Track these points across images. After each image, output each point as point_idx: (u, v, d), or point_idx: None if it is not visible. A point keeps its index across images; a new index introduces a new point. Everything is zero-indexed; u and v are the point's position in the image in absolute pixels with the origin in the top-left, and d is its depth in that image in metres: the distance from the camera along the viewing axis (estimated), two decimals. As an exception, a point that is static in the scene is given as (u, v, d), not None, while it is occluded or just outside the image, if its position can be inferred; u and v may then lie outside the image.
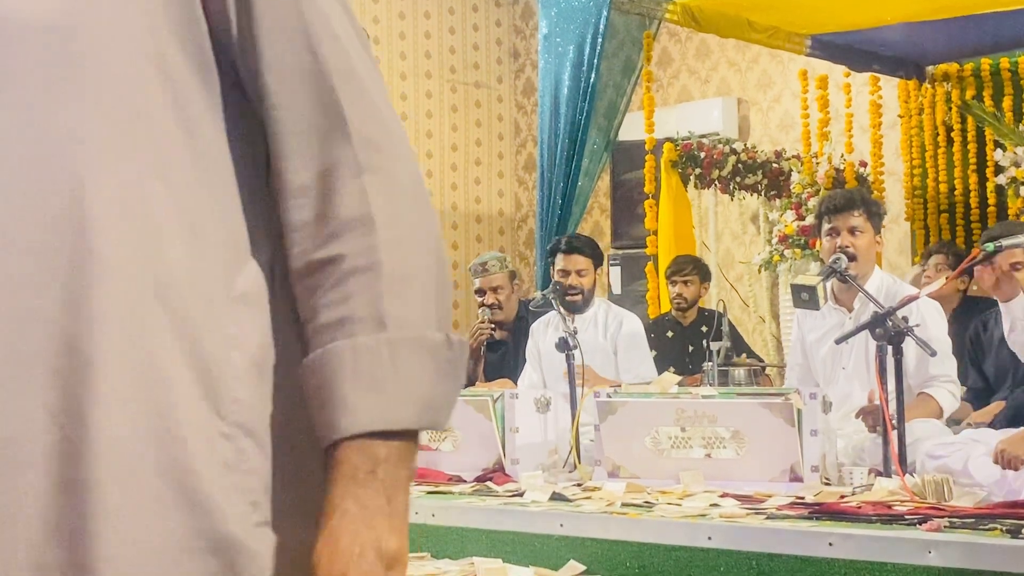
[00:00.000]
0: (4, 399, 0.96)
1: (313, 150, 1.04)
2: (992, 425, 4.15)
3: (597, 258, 5.24)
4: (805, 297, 4.06)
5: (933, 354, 3.74)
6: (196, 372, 1.00)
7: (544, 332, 5.21)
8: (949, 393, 4.15)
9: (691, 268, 6.24)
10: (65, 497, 0.95)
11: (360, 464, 1.00)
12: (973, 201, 7.27)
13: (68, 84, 1.00)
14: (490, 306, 5.69)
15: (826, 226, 4.30)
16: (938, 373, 4.13)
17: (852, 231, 4.23)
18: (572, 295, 5.08)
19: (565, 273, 5.14)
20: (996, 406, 4.56)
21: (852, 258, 4.18)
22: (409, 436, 1.02)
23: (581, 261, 5.14)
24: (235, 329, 1.03)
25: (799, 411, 3.58)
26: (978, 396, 4.75)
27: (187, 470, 0.98)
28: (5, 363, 0.96)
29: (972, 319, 4.90)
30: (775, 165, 7.30)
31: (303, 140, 1.05)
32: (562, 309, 4.89)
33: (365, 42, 1.10)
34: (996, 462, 3.45)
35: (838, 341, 3.96)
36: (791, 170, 7.19)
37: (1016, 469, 3.40)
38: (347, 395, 1.00)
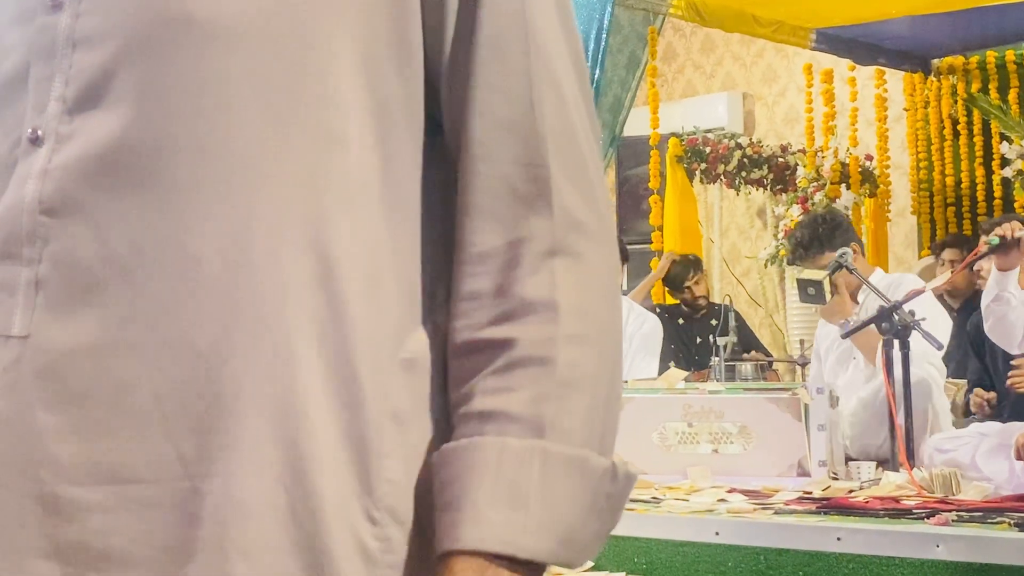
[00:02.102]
0: (143, 441, 0.84)
1: (508, 215, 0.89)
2: (998, 418, 4.15)
3: (624, 257, 5.31)
4: (812, 292, 4.06)
5: (940, 348, 3.74)
6: (351, 443, 0.85)
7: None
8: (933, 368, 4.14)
9: (691, 271, 6.28)
10: (185, 553, 0.83)
11: None
12: (979, 194, 7.26)
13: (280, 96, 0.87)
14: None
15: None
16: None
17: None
18: None
19: None
20: None
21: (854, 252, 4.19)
22: (535, 569, 0.85)
23: None
24: (397, 399, 0.88)
25: (806, 406, 3.58)
26: (981, 386, 4.74)
27: (324, 552, 0.83)
28: (151, 397, 0.84)
29: (976, 311, 4.90)
30: (781, 159, 7.30)
31: (499, 202, 0.89)
32: None
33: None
34: (1019, 458, 3.45)
35: (844, 335, 3.96)
36: (797, 164, 7.18)
37: None
38: (480, 503, 0.84)
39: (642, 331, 5.22)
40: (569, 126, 0.92)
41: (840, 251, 4.16)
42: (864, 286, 4.13)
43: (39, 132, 0.88)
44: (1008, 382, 4.33)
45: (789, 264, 4.40)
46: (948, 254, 5.69)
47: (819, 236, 4.37)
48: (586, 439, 0.88)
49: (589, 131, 0.94)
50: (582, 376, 0.88)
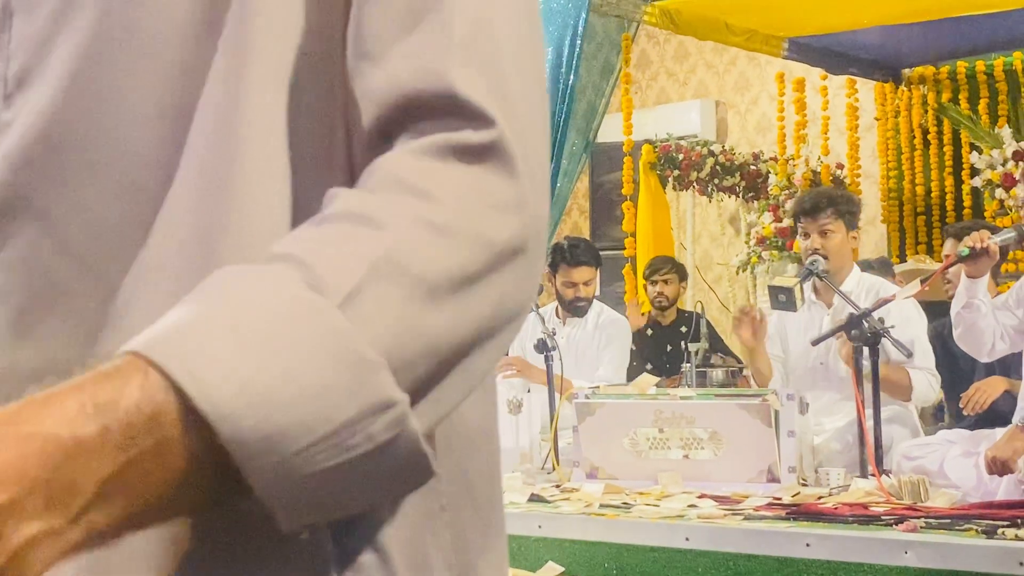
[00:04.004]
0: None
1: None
2: (967, 426, 4.18)
3: (599, 262, 5.37)
4: (783, 299, 4.08)
5: (909, 355, 3.77)
6: None
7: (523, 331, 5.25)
8: (926, 380, 4.16)
9: (669, 267, 6.32)
10: None
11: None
12: (949, 204, 7.31)
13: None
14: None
15: (800, 227, 4.35)
16: (919, 364, 4.15)
17: (823, 232, 4.26)
18: (579, 304, 5.25)
19: (571, 285, 5.27)
20: None
21: (824, 257, 4.21)
22: (201, 429, 0.59)
23: (587, 272, 5.30)
24: None
25: (776, 412, 3.60)
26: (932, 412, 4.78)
27: None
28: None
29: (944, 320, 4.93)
30: (753, 167, 7.34)
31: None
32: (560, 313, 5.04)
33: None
34: (990, 472, 3.47)
35: (815, 343, 3.98)
36: (768, 172, 7.22)
37: (1012, 473, 3.41)
38: (188, 318, 0.62)
39: (608, 332, 5.29)
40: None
41: (811, 259, 4.18)
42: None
43: None
44: (961, 403, 4.37)
45: (791, 218, 4.47)
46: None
47: (829, 197, 4.41)
48: (389, 343, 0.63)
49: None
50: (423, 271, 0.65)
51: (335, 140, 0.76)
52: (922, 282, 3.73)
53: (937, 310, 5.17)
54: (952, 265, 3.89)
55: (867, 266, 4.73)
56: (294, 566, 0.70)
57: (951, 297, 4.61)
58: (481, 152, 0.70)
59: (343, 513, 0.65)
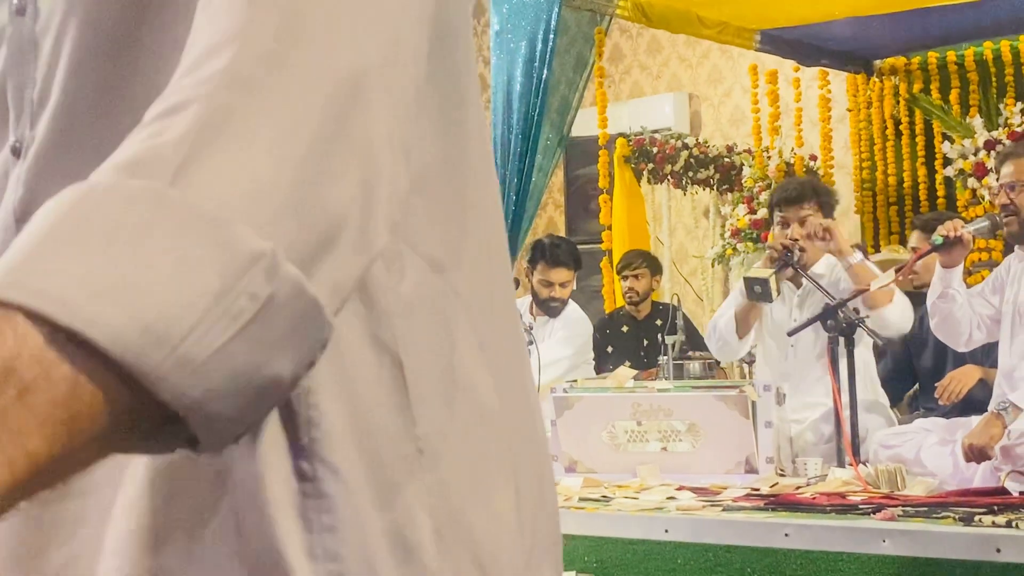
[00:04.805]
0: None
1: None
2: (942, 415, 4.21)
3: (579, 266, 5.39)
4: (758, 290, 4.09)
5: (884, 343, 3.79)
6: None
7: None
8: (906, 304, 4.15)
9: (640, 262, 6.28)
10: None
11: None
12: (922, 194, 7.34)
13: None
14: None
15: (778, 215, 4.35)
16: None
17: (802, 222, 4.27)
18: (552, 304, 5.28)
19: (548, 284, 5.29)
20: None
21: (802, 249, 4.23)
22: (87, 352, 0.55)
23: (565, 274, 5.32)
24: None
25: (753, 403, 3.61)
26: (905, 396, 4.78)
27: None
28: None
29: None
30: (727, 160, 7.35)
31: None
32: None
33: None
34: (967, 459, 3.49)
35: (790, 333, 4.00)
36: (742, 164, 7.24)
37: (988, 459, 3.43)
38: (30, 243, 0.58)
39: (567, 330, 5.34)
40: None
41: (787, 251, 4.19)
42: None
43: (19, 143, 0.80)
44: (936, 393, 4.39)
45: (771, 209, 4.47)
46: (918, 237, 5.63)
47: (813, 187, 4.43)
48: (237, 202, 0.58)
49: None
50: (254, 125, 0.60)
51: None
52: (896, 271, 3.75)
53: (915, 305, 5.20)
54: (926, 255, 3.91)
55: None
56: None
57: (916, 288, 4.64)
58: None
59: (262, 406, 0.60)
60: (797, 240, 4.22)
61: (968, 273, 5.37)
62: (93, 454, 0.57)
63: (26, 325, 0.54)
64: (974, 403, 4.17)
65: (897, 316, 4.02)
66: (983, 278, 4.38)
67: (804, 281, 4.23)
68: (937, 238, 3.78)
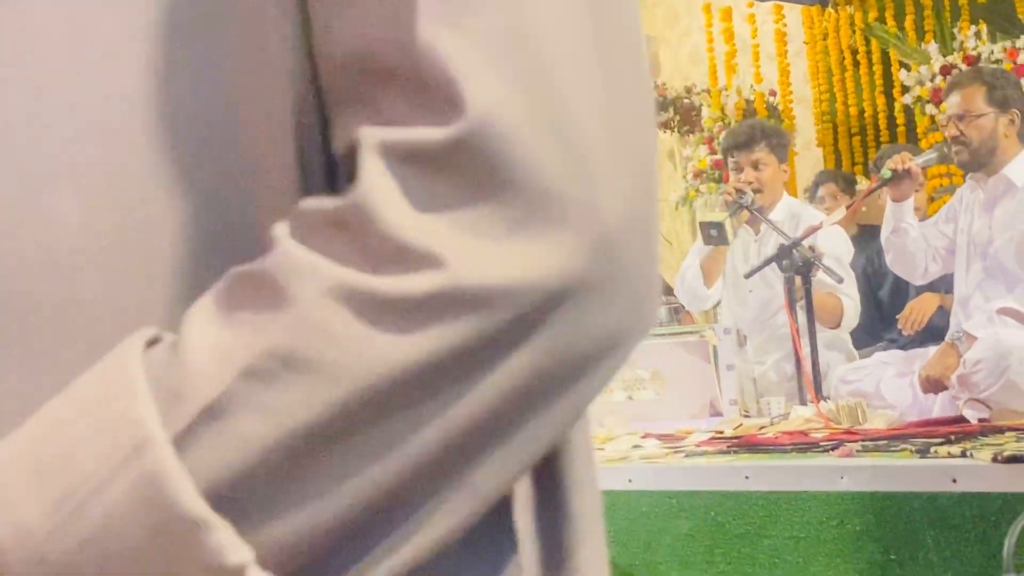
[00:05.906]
0: None
1: None
2: (901, 347, 4.25)
3: None
4: (714, 234, 4.12)
5: (840, 281, 3.82)
6: None
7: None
8: (853, 305, 4.21)
9: None
10: None
11: None
12: (882, 123, 7.35)
13: None
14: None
15: (731, 161, 4.38)
16: (847, 291, 4.20)
17: (755, 165, 4.29)
18: None
19: None
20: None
21: (757, 191, 4.25)
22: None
23: None
24: None
25: (715, 347, 3.64)
26: (870, 331, 4.80)
27: None
28: None
29: (868, 248, 4.97)
30: (686, 100, 7.35)
31: None
32: None
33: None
34: (924, 390, 3.53)
35: (747, 275, 4.02)
36: (702, 105, 7.23)
37: (945, 390, 3.47)
38: None
39: None
40: None
41: (740, 193, 4.21)
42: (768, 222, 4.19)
43: None
44: (899, 324, 4.43)
45: (724, 154, 4.50)
46: (828, 190, 5.72)
47: (762, 129, 4.45)
48: (241, 483, 0.47)
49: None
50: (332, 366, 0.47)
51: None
52: (847, 208, 3.77)
53: (873, 232, 5.24)
54: (875, 189, 3.93)
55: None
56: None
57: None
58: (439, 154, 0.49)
59: None
60: (752, 183, 4.23)
61: (931, 200, 5.40)
62: None
63: None
64: (933, 332, 4.21)
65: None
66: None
67: (763, 226, 4.25)
68: (886, 172, 3.80)
